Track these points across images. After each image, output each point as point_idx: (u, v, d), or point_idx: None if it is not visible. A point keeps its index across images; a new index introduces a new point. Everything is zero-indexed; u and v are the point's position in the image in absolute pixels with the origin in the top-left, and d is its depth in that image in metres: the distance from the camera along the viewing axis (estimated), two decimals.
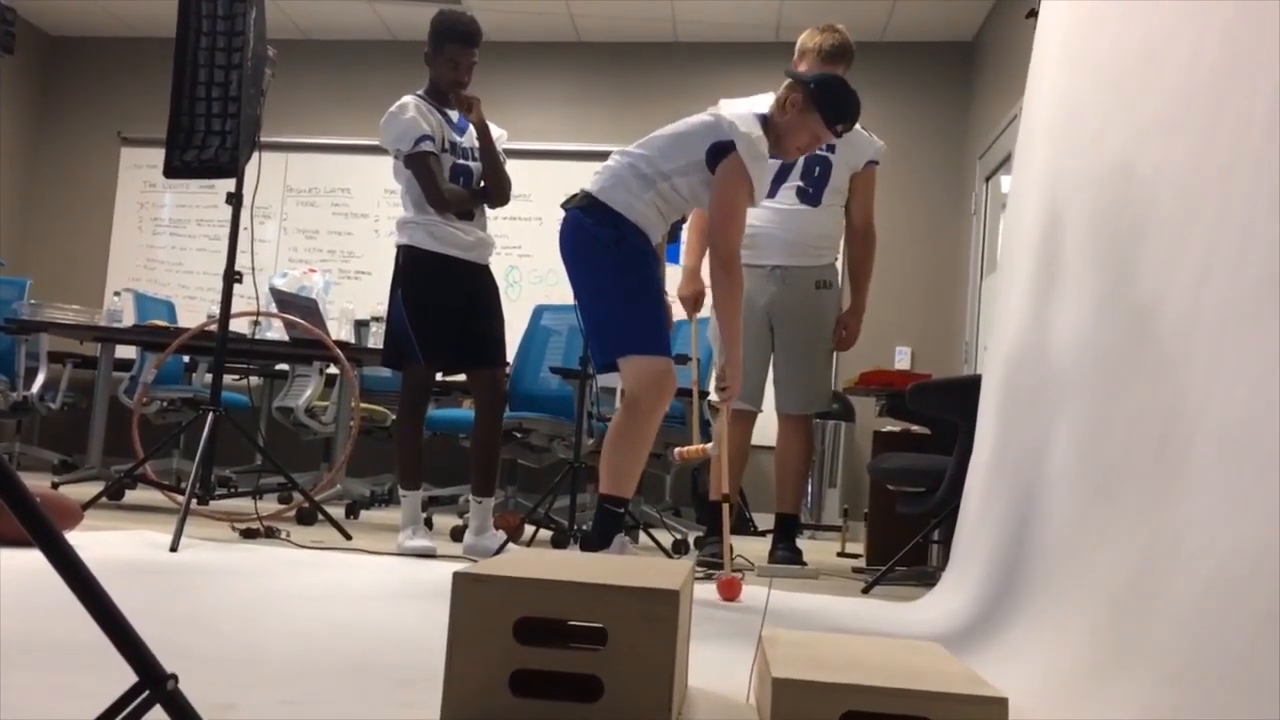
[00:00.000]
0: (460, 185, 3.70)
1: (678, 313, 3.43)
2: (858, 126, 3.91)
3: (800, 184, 3.89)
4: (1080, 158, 2.40)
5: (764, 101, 3.77)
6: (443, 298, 3.64)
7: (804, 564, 3.86)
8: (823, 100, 2.99)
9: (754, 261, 3.86)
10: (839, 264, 4.06)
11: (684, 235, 3.72)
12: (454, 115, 3.75)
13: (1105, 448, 1.85)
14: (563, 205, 3.02)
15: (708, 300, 3.81)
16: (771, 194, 3.80)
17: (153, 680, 0.93)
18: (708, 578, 3.38)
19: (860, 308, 4.01)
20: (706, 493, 6.24)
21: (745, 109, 3.11)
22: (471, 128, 3.78)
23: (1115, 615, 1.57)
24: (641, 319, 2.91)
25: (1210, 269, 1.57)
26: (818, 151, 3.80)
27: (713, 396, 5.03)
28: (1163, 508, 1.53)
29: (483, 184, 3.74)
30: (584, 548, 2.92)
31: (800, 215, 3.90)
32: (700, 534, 4.83)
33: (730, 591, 2.90)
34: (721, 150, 2.91)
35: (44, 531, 0.95)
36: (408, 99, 3.67)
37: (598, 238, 2.90)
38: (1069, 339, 2.22)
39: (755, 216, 3.81)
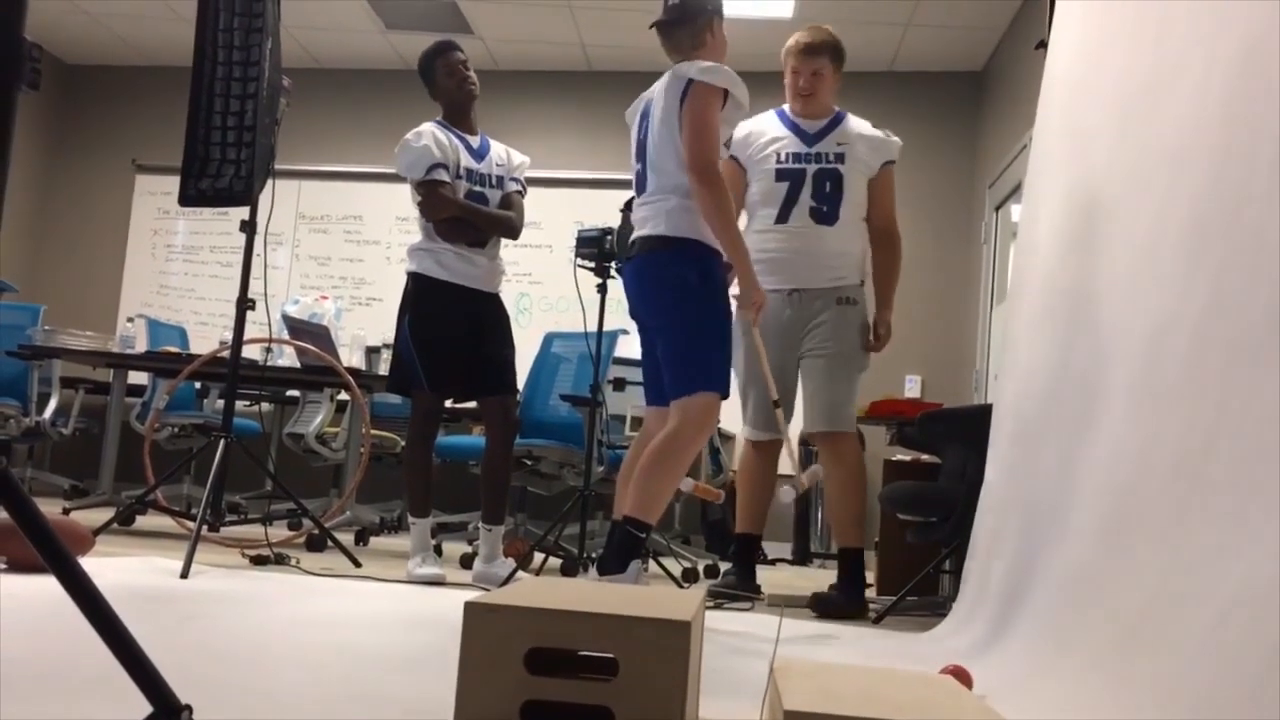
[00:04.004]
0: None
1: None
2: (872, 128, 3.75)
3: (813, 204, 3.66)
4: (1089, 188, 2.40)
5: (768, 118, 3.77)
6: (448, 326, 3.65)
7: (862, 613, 3.52)
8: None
9: (771, 286, 3.64)
10: (865, 282, 3.79)
11: None
12: (474, 141, 3.77)
13: (1116, 479, 1.85)
14: (630, 256, 3.03)
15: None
16: (784, 218, 3.68)
17: (168, 711, 0.93)
18: (717, 607, 3.36)
19: (890, 305, 3.77)
20: (716, 521, 6.23)
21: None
22: (492, 154, 3.80)
23: (1129, 646, 1.56)
24: (715, 355, 2.91)
25: (1219, 301, 1.57)
26: (824, 165, 3.66)
27: (723, 426, 4.99)
28: (1175, 539, 1.52)
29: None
30: (601, 571, 2.87)
31: (816, 235, 3.66)
32: (710, 563, 4.82)
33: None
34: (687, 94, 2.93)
35: (60, 560, 0.96)
36: (425, 126, 3.70)
37: (680, 276, 2.90)
38: (1079, 369, 2.21)
39: (769, 240, 3.68)
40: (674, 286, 2.92)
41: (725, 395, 2.93)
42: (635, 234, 3.05)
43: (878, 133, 3.77)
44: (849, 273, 3.70)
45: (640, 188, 3.09)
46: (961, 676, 2.55)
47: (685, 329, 2.92)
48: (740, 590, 3.56)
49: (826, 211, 3.67)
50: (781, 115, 3.82)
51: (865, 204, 3.73)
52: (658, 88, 3.06)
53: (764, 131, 3.78)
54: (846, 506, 3.65)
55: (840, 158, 3.67)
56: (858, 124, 3.78)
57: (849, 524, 3.65)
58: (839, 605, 3.48)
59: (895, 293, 3.80)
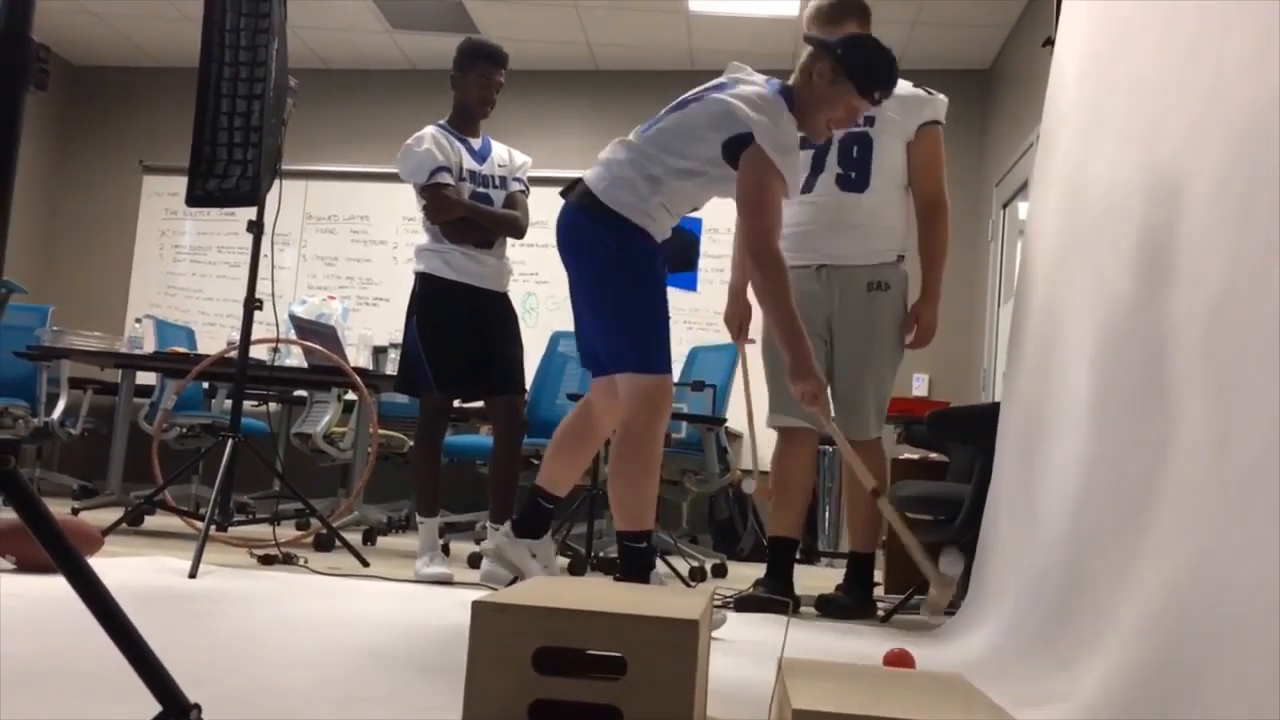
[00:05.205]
0: None
1: (712, 338, 3.06)
2: (912, 87, 3.41)
3: (839, 170, 3.38)
4: (1097, 186, 2.40)
5: None
6: (457, 326, 3.66)
7: (868, 617, 3.39)
8: (854, 65, 2.68)
9: (798, 262, 3.35)
10: (905, 257, 3.48)
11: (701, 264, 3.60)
12: (475, 143, 3.78)
13: (1125, 479, 1.84)
14: (562, 194, 2.77)
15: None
16: (808, 188, 3.38)
17: (177, 710, 0.93)
18: (723, 606, 3.35)
19: (934, 294, 3.43)
20: (724, 520, 6.23)
21: (762, 83, 2.74)
22: (494, 155, 3.81)
23: (1140, 646, 1.55)
24: (642, 334, 2.65)
25: (1229, 300, 1.56)
26: (851, 129, 3.31)
27: (730, 425, 4.95)
28: (1183, 540, 1.52)
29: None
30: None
31: (845, 203, 3.38)
32: (717, 561, 4.81)
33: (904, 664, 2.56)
34: (740, 143, 2.60)
35: (70, 559, 0.96)
36: (425, 130, 3.70)
37: (602, 244, 2.65)
38: (1087, 368, 2.21)
39: (794, 215, 3.37)
40: (598, 256, 2.67)
41: (668, 373, 2.67)
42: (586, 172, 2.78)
43: (916, 91, 3.42)
44: (883, 245, 3.41)
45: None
46: (905, 661, 2.50)
47: (613, 303, 2.68)
48: (772, 598, 3.32)
49: (855, 178, 3.38)
50: None
51: (903, 170, 3.44)
52: (736, 88, 2.73)
53: None
54: (864, 513, 3.49)
55: (869, 120, 3.34)
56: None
57: (864, 529, 3.52)
58: (845, 609, 3.35)
59: (941, 277, 3.45)
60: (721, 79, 2.82)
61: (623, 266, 2.65)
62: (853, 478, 3.38)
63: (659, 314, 2.68)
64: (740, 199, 2.66)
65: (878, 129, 3.38)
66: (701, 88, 2.79)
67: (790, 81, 2.79)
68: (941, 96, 3.48)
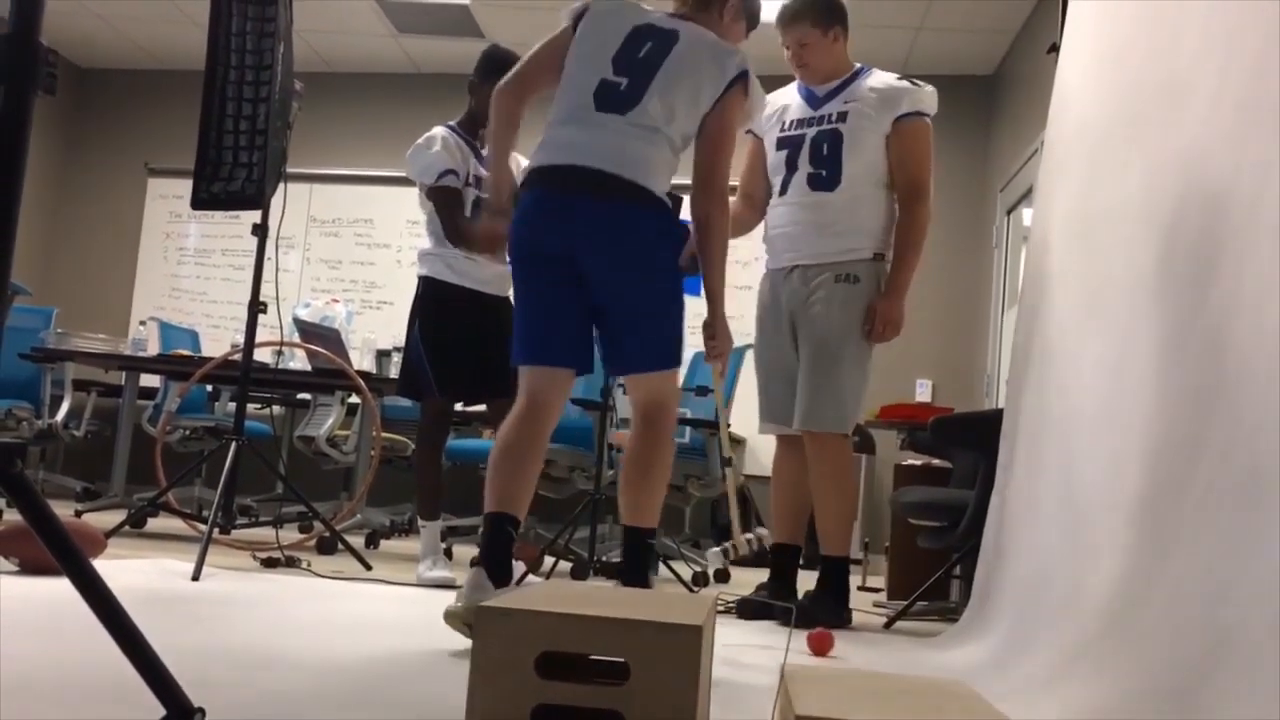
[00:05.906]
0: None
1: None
2: (896, 80, 3.38)
3: (810, 169, 3.31)
4: (1105, 192, 2.40)
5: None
6: (459, 330, 3.66)
7: (845, 625, 3.26)
8: (750, 5, 2.75)
9: (772, 265, 3.41)
10: (880, 260, 3.34)
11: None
12: (484, 149, 3.79)
13: (1129, 485, 1.84)
14: (578, 187, 2.48)
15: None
16: (784, 190, 3.37)
17: (181, 714, 0.93)
18: (727, 611, 3.35)
19: (895, 288, 3.28)
20: (727, 525, 6.22)
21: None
22: None
23: (1142, 652, 1.55)
24: (679, 327, 2.58)
25: (1235, 305, 1.56)
26: (823, 127, 3.33)
27: (734, 429, 4.94)
28: (1188, 546, 1.52)
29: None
30: (626, 584, 2.72)
31: (815, 204, 3.31)
32: (720, 567, 4.80)
33: (821, 646, 2.52)
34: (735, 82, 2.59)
35: (74, 562, 0.96)
36: (436, 131, 3.71)
37: (671, 241, 2.56)
38: (1091, 374, 2.21)
39: (772, 216, 3.43)
40: (661, 251, 2.54)
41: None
42: (587, 161, 2.49)
43: (899, 83, 3.35)
44: (857, 244, 3.29)
45: (612, 103, 2.55)
46: (824, 640, 2.49)
47: (666, 302, 2.56)
48: (774, 603, 3.25)
49: (825, 176, 3.30)
50: (799, 83, 3.49)
51: (881, 166, 3.33)
52: (681, 27, 2.62)
53: (776, 102, 3.48)
54: (828, 511, 3.32)
55: (842, 117, 3.30)
56: (876, 78, 3.38)
57: (831, 530, 3.33)
58: (814, 618, 3.09)
59: (910, 273, 3.30)
60: (639, 20, 2.64)
61: (670, 259, 2.57)
62: (825, 476, 3.28)
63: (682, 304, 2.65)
64: (715, 131, 2.57)
65: (849, 125, 3.30)
66: (628, 37, 2.63)
67: (682, 14, 2.69)
68: (928, 87, 3.39)
